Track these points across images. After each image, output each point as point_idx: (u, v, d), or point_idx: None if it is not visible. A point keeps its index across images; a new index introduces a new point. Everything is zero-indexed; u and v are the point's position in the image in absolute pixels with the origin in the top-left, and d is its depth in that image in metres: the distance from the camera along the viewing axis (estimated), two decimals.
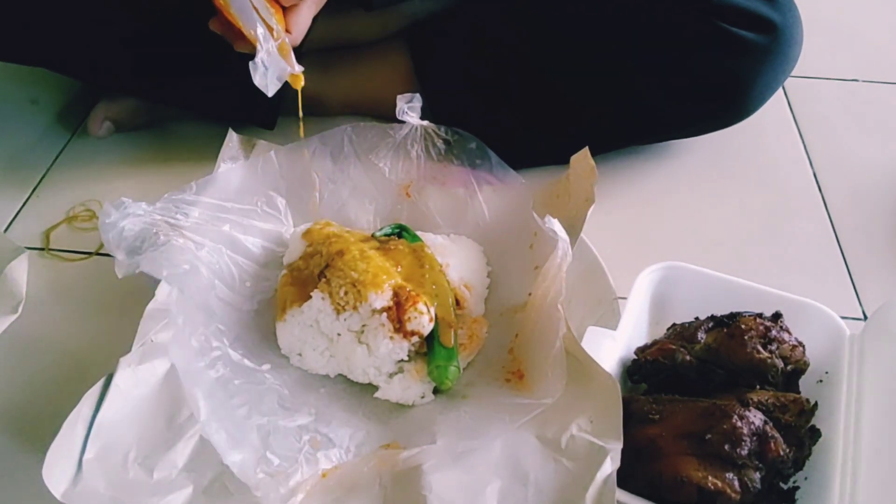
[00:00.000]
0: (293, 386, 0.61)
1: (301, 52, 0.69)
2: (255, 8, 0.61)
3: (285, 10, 0.64)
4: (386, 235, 0.68)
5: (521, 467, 0.53)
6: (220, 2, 0.62)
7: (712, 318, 0.61)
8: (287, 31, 0.64)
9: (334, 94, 0.89)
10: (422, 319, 0.59)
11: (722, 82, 0.80)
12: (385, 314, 0.60)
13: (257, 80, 0.61)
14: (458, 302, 0.64)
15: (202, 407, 0.53)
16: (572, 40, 0.80)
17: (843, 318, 0.61)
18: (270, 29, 0.61)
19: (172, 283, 0.59)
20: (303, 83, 0.65)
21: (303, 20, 0.66)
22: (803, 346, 0.58)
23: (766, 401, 0.54)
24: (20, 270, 0.62)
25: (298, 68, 0.63)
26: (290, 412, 0.57)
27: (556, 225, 0.60)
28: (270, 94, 0.62)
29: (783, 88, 0.99)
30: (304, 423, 0.57)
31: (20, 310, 0.60)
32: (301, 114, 0.70)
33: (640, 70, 0.80)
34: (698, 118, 0.84)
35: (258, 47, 0.60)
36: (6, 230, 0.78)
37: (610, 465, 0.50)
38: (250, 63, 0.60)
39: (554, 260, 0.59)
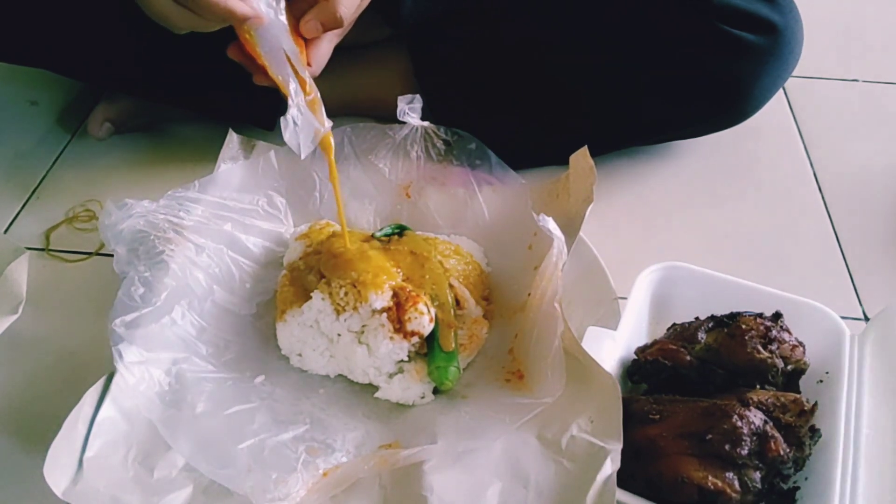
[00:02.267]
0: (288, 395, 0.60)
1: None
2: (287, 57, 0.57)
3: (306, 42, 0.62)
4: (386, 235, 0.68)
5: (522, 468, 0.53)
6: (246, 37, 0.58)
7: (712, 318, 0.61)
8: (308, 63, 0.61)
9: (334, 95, 0.88)
10: (422, 320, 0.59)
11: (722, 84, 0.80)
12: (385, 314, 0.60)
13: (287, 136, 0.58)
14: (458, 302, 0.64)
15: (184, 446, 0.52)
16: (572, 41, 0.80)
17: (843, 318, 0.61)
18: (303, 82, 0.58)
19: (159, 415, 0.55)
20: (332, 142, 0.62)
21: (323, 53, 0.64)
22: (803, 346, 0.58)
23: (767, 401, 0.54)
24: (20, 271, 0.63)
25: (328, 124, 0.60)
26: (283, 425, 0.57)
27: (550, 223, 0.60)
28: (304, 156, 0.59)
29: (783, 88, 0.99)
30: (299, 433, 0.56)
31: (20, 310, 0.61)
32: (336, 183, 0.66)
33: (640, 71, 0.80)
34: (699, 119, 0.84)
35: (289, 102, 0.57)
36: (6, 231, 0.78)
37: (610, 466, 0.50)
38: (281, 119, 0.57)
39: (550, 259, 0.59)
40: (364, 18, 0.79)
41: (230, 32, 0.75)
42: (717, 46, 0.78)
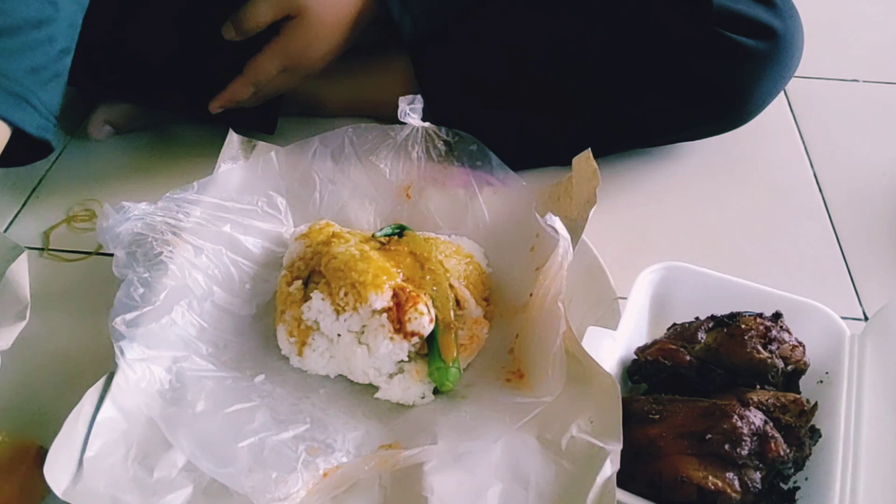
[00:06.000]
0: (288, 394, 0.60)
1: None
2: None
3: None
4: (386, 236, 0.68)
5: (522, 469, 0.53)
6: None
7: (712, 318, 0.61)
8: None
9: (335, 96, 0.89)
10: (422, 320, 0.59)
11: (722, 88, 0.80)
12: (385, 315, 0.59)
13: None
14: (458, 303, 0.64)
15: (185, 444, 0.52)
16: (573, 44, 0.80)
17: (843, 318, 0.61)
18: None
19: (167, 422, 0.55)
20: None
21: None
22: (803, 347, 0.58)
23: (767, 401, 0.54)
24: (22, 273, 0.62)
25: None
26: (284, 424, 0.57)
27: (557, 223, 0.60)
28: None
29: (784, 89, 0.99)
30: (300, 432, 0.56)
31: (28, 315, 0.60)
32: None
33: (640, 75, 0.80)
34: (698, 123, 0.84)
35: None
36: (6, 230, 0.78)
37: (610, 467, 0.50)
38: None
39: (555, 258, 0.59)
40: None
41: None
42: (716, 51, 0.77)
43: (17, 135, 0.59)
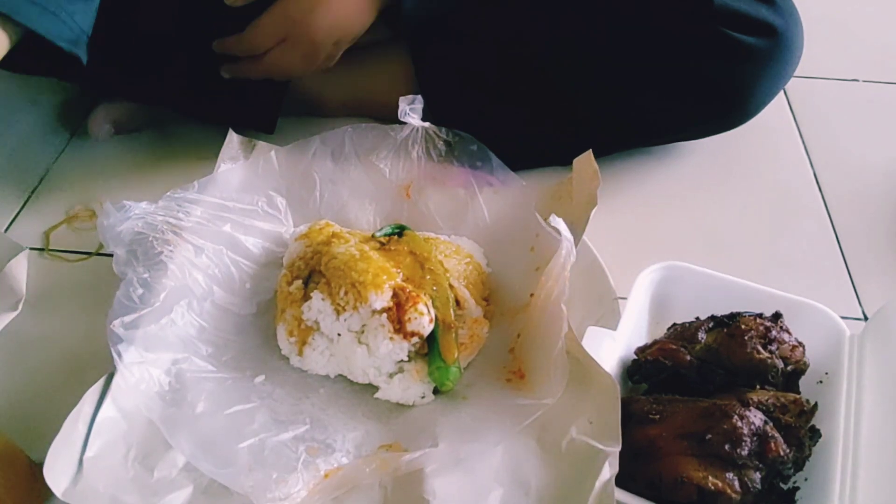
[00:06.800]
0: (288, 395, 0.60)
1: None
2: None
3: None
4: (386, 235, 0.68)
5: (523, 473, 0.53)
6: None
7: (712, 318, 0.61)
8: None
9: (335, 95, 0.89)
10: (422, 320, 0.59)
11: (723, 87, 0.80)
12: (385, 315, 0.59)
13: None
14: (458, 302, 0.64)
15: (185, 445, 0.52)
16: (574, 44, 0.80)
17: (843, 318, 0.61)
18: None
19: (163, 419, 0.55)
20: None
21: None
22: (803, 347, 0.58)
23: (767, 401, 0.54)
24: (20, 268, 0.63)
25: None
26: (283, 425, 0.57)
27: (560, 224, 0.60)
28: None
29: (784, 88, 0.99)
30: (300, 433, 0.56)
31: (20, 307, 0.61)
32: None
33: (640, 74, 0.80)
34: (698, 122, 0.84)
35: None
36: (6, 230, 0.78)
37: (608, 470, 0.50)
38: None
39: (557, 259, 0.59)
40: None
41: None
42: (717, 49, 0.77)
43: (43, 43, 0.58)
